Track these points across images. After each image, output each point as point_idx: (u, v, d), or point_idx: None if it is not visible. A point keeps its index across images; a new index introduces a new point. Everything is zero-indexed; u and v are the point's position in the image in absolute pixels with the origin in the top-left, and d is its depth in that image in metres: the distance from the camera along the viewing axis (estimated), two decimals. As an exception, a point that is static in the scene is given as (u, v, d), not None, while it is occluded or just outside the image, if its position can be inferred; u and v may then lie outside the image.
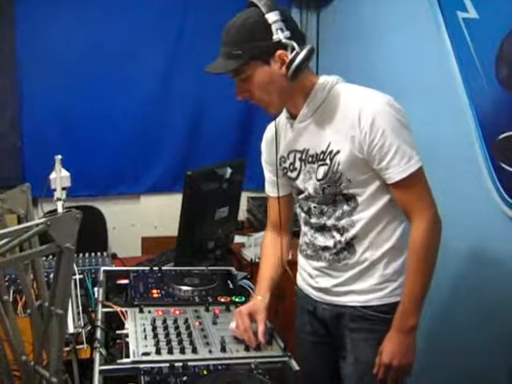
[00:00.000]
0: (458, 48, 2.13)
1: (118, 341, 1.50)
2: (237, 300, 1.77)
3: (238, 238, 2.75)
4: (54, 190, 2.07)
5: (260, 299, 1.64)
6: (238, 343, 1.49)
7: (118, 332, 1.52)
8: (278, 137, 1.64)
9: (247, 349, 1.46)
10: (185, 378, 1.29)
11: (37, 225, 1.02)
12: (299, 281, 1.78)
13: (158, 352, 1.40)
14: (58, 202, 2.03)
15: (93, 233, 3.36)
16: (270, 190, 1.79)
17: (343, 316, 1.61)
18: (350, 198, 1.52)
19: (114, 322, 1.58)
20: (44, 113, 3.36)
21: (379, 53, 2.68)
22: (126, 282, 1.87)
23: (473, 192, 2.11)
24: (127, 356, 1.38)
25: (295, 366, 1.42)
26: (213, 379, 1.32)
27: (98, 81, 3.40)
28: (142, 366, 1.33)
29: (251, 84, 1.47)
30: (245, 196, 3.34)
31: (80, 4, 3.32)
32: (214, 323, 1.60)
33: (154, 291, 1.78)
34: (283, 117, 1.64)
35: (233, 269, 2.07)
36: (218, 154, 3.50)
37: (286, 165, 1.65)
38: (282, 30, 1.40)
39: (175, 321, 1.58)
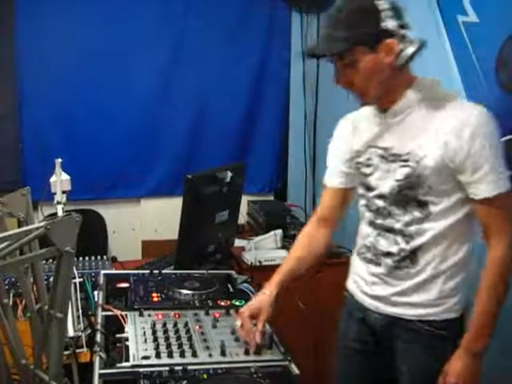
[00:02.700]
0: (458, 52, 2.13)
1: (117, 344, 1.49)
2: (237, 304, 1.77)
3: (238, 242, 2.75)
4: (54, 193, 2.08)
5: (267, 294, 1.61)
6: (238, 347, 1.49)
7: (117, 336, 1.51)
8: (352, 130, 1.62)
9: (247, 353, 1.46)
10: (185, 382, 1.29)
11: (37, 228, 1.02)
12: (350, 285, 1.73)
13: (158, 356, 1.39)
14: (58, 205, 2.04)
15: (93, 236, 3.35)
16: (332, 181, 1.73)
17: (396, 327, 1.57)
18: (423, 205, 1.47)
19: (114, 326, 1.57)
20: (44, 116, 3.35)
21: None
22: (126, 285, 1.88)
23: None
24: (127, 360, 1.38)
25: (295, 369, 1.41)
26: (213, 383, 1.32)
27: (99, 84, 3.40)
28: (141, 369, 1.33)
29: (354, 70, 1.42)
30: (245, 200, 3.34)
31: (81, 7, 3.31)
32: (214, 327, 1.60)
33: (154, 295, 1.78)
34: (367, 110, 1.58)
35: (233, 272, 2.07)
36: (218, 158, 3.50)
37: (361, 159, 1.60)
38: (392, 18, 1.37)
39: (175, 324, 1.57)
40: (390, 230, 1.54)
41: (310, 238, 1.77)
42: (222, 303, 1.77)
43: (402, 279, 1.54)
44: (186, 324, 1.59)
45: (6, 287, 1.86)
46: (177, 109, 3.58)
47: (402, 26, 1.39)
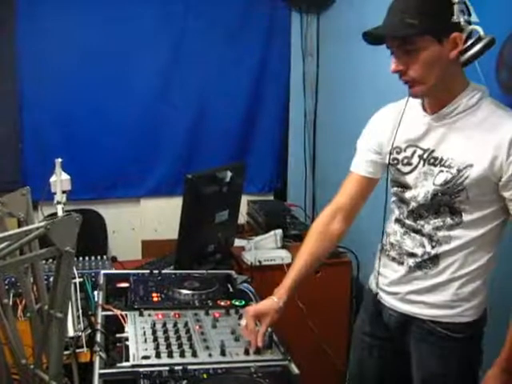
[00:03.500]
0: (457, 52, 2.14)
1: (117, 344, 1.50)
2: (237, 304, 1.77)
3: (238, 242, 2.75)
4: (54, 193, 2.08)
5: (275, 301, 1.59)
6: (238, 347, 1.49)
7: (117, 335, 1.51)
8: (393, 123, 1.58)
9: (247, 353, 1.46)
10: (184, 382, 1.30)
11: (37, 228, 1.02)
12: (371, 280, 1.73)
13: (158, 355, 1.40)
14: (58, 205, 2.04)
15: (93, 236, 3.35)
16: (360, 168, 1.68)
17: (410, 325, 1.57)
18: (456, 213, 1.45)
19: (114, 326, 1.58)
20: (44, 116, 3.35)
21: (379, 56, 2.68)
22: (125, 285, 1.88)
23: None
24: (127, 359, 1.38)
25: (295, 369, 1.41)
26: (213, 383, 1.32)
27: (99, 84, 3.40)
28: (141, 369, 1.33)
29: (415, 58, 1.38)
30: (245, 199, 3.34)
31: (81, 7, 3.31)
32: (214, 327, 1.60)
33: (154, 295, 1.78)
34: (415, 105, 1.54)
35: (233, 272, 2.07)
36: (218, 158, 3.50)
37: (399, 157, 1.56)
38: (463, 12, 1.34)
39: (175, 324, 1.58)
40: (418, 232, 1.53)
41: (323, 233, 1.70)
42: (222, 303, 1.77)
43: (420, 279, 1.54)
44: (186, 324, 1.59)
45: (6, 287, 1.86)
46: (177, 109, 3.58)
47: (470, 23, 1.37)
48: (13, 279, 1.91)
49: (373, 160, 1.66)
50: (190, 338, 1.51)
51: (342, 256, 2.79)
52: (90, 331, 1.62)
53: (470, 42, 1.35)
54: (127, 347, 1.44)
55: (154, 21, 3.47)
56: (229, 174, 2.26)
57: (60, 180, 2.08)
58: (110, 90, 3.42)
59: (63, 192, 2.08)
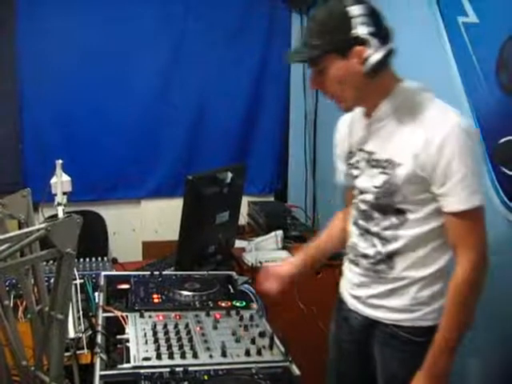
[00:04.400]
0: (458, 52, 2.13)
1: (118, 346, 1.50)
2: (237, 305, 1.77)
3: (238, 243, 2.75)
4: (55, 194, 2.07)
5: (290, 263, 1.80)
6: (239, 348, 1.49)
7: (118, 337, 1.51)
8: (349, 131, 1.63)
9: (248, 354, 1.46)
10: (185, 383, 1.29)
11: (37, 230, 1.02)
12: (341, 284, 1.75)
13: (159, 357, 1.40)
14: (59, 206, 2.03)
15: (93, 237, 3.36)
16: (341, 179, 1.74)
17: (373, 329, 1.58)
18: (401, 213, 1.47)
19: (115, 327, 1.57)
20: (44, 117, 3.36)
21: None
22: (126, 286, 1.87)
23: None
24: (128, 361, 1.38)
25: (296, 370, 1.41)
26: (214, 384, 1.32)
27: (99, 85, 3.40)
28: (142, 371, 1.33)
29: (326, 77, 1.44)
30: (245, 200, 3.34)
31: (81, 8, 3.32)
32: (215, 328, 1.60)
33: (155, 296, 1.78)
34: (360, 111, 1.58)
35: (233, 273, 2.07)
36: (218, 159, 3.51)
37: (352, 161, 1.60)
38: (364, 24, 1.36)
39: (176, 325, 1.57)
40: (370, 232, 1.55)
41: (342, 219, 1.79)
42: (223, 304, 1.77)
43: (379, 283, 1.55)
44: (187, 325, 1.59)
45: (7, 289, 1.85)
46: (177, 110, 3.59)
47: (376, 33, 1.37)
48: (13, 281, 1.91)
49: (343, 170, 1.70)
50: (190, 340, 1.51)
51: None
52: (90, 333, 1.62)
53: (367, 54, 1.37)
54: (128, 349, 1.43)
55: (154, 21, 3.48)
56: (229, 175, 2.26)
57: (60, 181, 2.08)
58: (110, 90, 3.43)
59: (64, 193, 2.08)
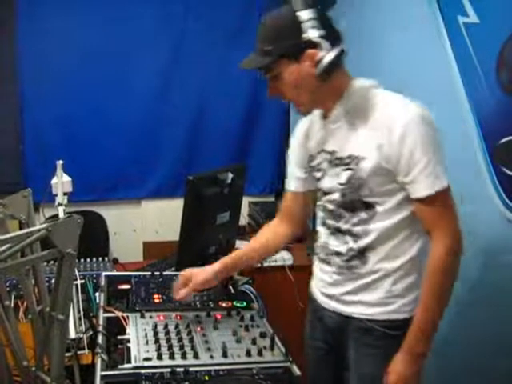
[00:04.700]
0: (458, 52, 2.13)
1: (119, 346, 1.50)
2: (238, 305, 1.77)
3: (239, 243, 2.74)
4: (56, 195, 2.07)
5: (207, 269, 1.69)
6: (240, 348, 1.49)
7: (119, 337, 1.52)
8: (309, 133, 1.63)
9: (249, 354, 1.46)
10: (186, 384, 1.30)
11: (38, 230, 1.02)
12: (311, 284, 1.75)
13: (160, 357, 1.40)
14: (60, 207, 2.03)
15: (94, 238, 3.36)
16: (290, 185, 1.76)
17: (348, 326, 1.58)
18: (369, 207, 1.47)
19: (116, 327, 1.58)
20: (45, 118, 3.36)
21: (380, 58, 2.68)
22: (127, 287, 1.88)
23: (474, 196, 2.11)
24: (128, 361, 1.38)
25: (297, 371, 1.42)
26: (214, 384, 1.32)
27: (99, 85, 3.41)
28: (143, 371, 1.34)
29: (281, 82, 1.46)
30: (246, 201, 3.34)
31: (81, 8, 3.33)
32: (216, 328, 1.60)
33: (156, 296, 1.78)
34: (318, 113, 1.60)
35: (234, 274, 2.07)
36: (219, 159, 3.51)
37: (313, 164, 1.61)
38: (314, 28, 1.38)
39: (176, 326, 1.58)
40: (340, 231, 1.56)
41: (269, 232, 1.81)
42: (224, 304, 1.77)
43: (353, 279, 1.54)
44: (188, 325, 1.59)
45: (8, 289, 1.86)
46: (177, 110, 3.59)
47: (327, 36, 1.40)
48: (14, 281, 1.91)
49: (297, 176, 1.71)
50: (191, 340, 1.51)
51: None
52: (91, 333, 1.63)
53: (319, 56, 1.39)
54: (129, 349, 1.44)
55: (154, 21, 3.48)
56: (230, 175, 2.26)
57: (61, 182, 2.08)
58: (110, 90, 3.43)
59: (64, 194, 2.08)
